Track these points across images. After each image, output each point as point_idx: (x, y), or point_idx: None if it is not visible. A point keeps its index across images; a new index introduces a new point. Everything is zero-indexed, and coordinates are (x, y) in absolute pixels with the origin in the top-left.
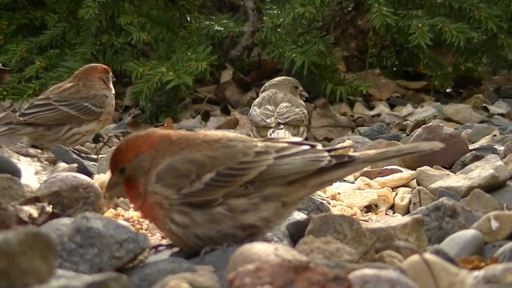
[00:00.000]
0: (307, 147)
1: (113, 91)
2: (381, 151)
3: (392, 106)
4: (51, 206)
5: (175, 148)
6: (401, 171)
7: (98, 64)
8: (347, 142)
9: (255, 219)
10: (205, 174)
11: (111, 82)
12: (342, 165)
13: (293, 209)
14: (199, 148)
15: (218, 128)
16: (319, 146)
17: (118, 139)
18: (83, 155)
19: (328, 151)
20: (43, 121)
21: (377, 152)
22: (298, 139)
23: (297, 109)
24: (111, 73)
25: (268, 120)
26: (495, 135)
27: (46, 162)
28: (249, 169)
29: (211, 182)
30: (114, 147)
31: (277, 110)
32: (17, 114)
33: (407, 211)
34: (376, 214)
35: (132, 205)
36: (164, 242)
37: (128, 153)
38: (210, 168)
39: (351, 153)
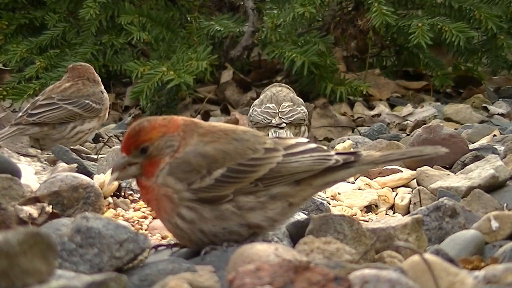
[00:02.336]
0: (314, 145)
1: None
2: (386, 153)
3: (392, 106)
4: (51, 206)
5: (200, 130)
6: (401, 171)
7: (85, 63)
8: (347, 142)
9: (261, 219)
10: (216, 169)
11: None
12: (348, 165)
13: (297, 209)
14: (218, 137)
15: None
16: (324, 146)
17: (118, 139)
18: (83, 155)
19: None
20: (50, 120)
21: (382, 154)
22: (304, 139)
23: (298, 108)
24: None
25: (273, 121)
26: (495, 135)
27: (46, 162)
28: (260, 166)
29: (222, 178)
30: (132, 127)
31: (280, 110)
32: (23, 114)
33: (407, 211)
34: (376, 214)
35: (132, 205)
36: (164, 242)
37: (153, 133)
38: (221, 164)
39: (356, 152)
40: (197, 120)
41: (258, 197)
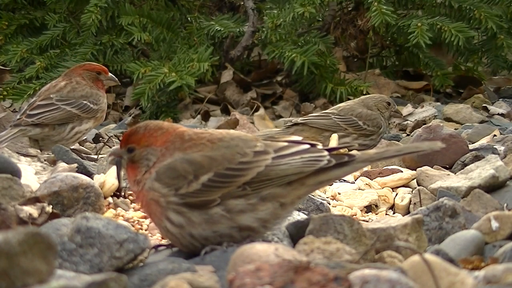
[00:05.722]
0: (306, 146)
1: (101, 92)
2: (380, 150)
3: None
4: (51, 206)
5: (183, 146)
6: (401, 171)
7: (87, 62)
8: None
9: (252, 220)
10: (202, 175)
11: (102, 83)
12: (342, 164)
13: (291, 209)
14: (202, 147)
15: (218, 128)
16: (320, 146)
17: (118, 139)
18: (83, 155)
19: (328, 150)
20: (50, 121)
21: (377, 151)
22: (298, 138)
23: (336, 117)
24: (109, 74)
25: (293, 120)
26: (495, 135)
27: (46, 162)
28: (247, 170)
29: (209, 183)
30: (136, 125)
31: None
32: (21, 115)
33: (407, 211)
34: (376, 214)
35: (132, 205)
36: (164, 242)
37: (143, 139)
38: (207, 169)
39: (351, 153)
40: (187, 132)
41: (248, 199)
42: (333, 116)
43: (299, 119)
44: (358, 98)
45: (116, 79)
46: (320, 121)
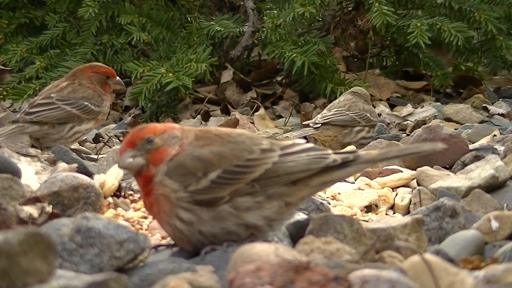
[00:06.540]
0: (310, 145)
1: (107, 95)
2: (383, 151)
3: (392, 106)
4: (51, 206)
5: (197, 135)
6: (401, 171)
7: (97, 64)
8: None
9: (258, 218)
10: (211, 171)
11: (109, 87)
12: (345, 165)
13: (294, 209)
14: (211, 141)
15: None
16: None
17: (118, 139)
18: (83, 155)
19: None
20: (48, 119)
21: (380, 152)
22: (301, 140)
23: (351, 113)
24: (117, 78)
25: (317, 121)
26: (495, 135)
27: (46, 162)
28: (255, 167)
29: (217, 180)
30: (134, 128)
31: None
32: (21, 113)
33: (407, 211)
34: (376, 214)
35: (132, 205)
36: (164, 242)
37: (156, 129)
38: (217, 166)
39: (355, 151)
40: (190, 127)
41: (254, 197)
42: (348, 112)
43: (320, 119)
44: (347, 95)
45: (123, 83)
46: (340, 117)
